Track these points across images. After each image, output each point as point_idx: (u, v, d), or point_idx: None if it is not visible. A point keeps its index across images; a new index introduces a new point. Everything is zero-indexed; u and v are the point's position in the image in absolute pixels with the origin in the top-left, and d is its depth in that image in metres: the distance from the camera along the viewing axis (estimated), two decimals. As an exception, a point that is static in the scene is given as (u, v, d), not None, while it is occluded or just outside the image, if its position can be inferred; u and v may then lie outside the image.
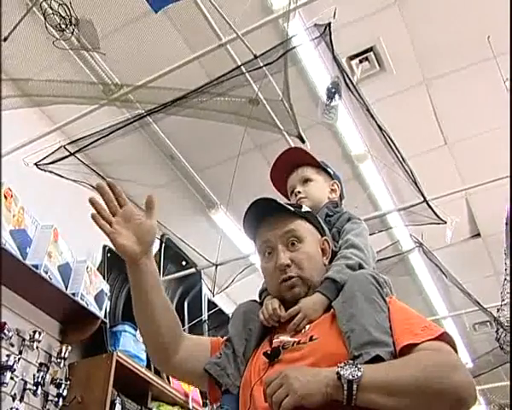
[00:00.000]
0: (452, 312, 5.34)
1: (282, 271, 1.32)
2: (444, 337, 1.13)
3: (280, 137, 3.18)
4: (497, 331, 4.30)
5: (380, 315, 1.20)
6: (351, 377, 1.03)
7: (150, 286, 1.27)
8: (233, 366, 1.29)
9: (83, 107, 3.11)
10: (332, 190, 1.72)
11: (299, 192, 1.67)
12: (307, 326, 1.28)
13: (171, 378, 3.62)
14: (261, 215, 1.38)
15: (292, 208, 1.40)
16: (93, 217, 1.22)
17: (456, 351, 1.14)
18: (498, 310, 4.09)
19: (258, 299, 1.48)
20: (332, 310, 1.28)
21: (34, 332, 2.85)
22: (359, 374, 1.04)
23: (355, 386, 1.03)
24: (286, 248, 1.35)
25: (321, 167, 1.74)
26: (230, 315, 1.46)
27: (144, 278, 1.26)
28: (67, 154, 3.28)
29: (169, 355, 1.32)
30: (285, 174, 1.75)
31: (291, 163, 1.74)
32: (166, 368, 1.42)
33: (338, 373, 1.05)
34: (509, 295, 3.79)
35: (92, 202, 1.22)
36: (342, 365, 1.06)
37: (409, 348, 1.11)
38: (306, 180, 1.69)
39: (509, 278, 3.70)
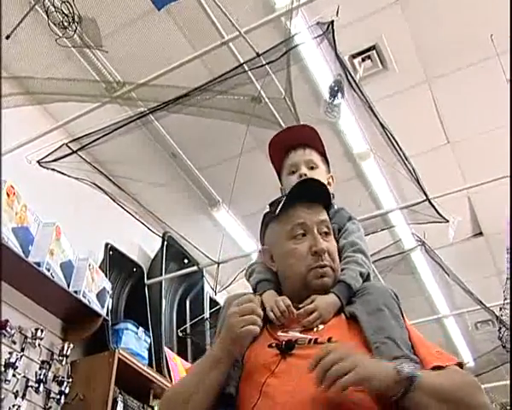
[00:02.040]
0: (454, 310, 5.32)
1: (318, 256, 1.31)
2: (461, 365, 1.20)
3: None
4: (499, 330, 4.30)
5: (403, 332, 1.22)
6: (413, 374, 1.05)
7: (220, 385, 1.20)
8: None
9: (85, 105, 3.11)
10: (328, 183, 1.70)
11: (304, 175, 1.64)
12: (320, 326, 1.26)
13: (172, 376, 3.62)
14: (298, 196, 1.36)
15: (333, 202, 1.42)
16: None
17: None
18: (501, 309, 4.08)
19: (251, 290, 1.44)
20: (342, 314, 1.27)
21: (36, 330, 2.86)
22: (419, 373, 1.05)
23: (414, 384, 1.04)
24: (320, 236, 1.34)
25: (325, 158, 1.73)
26: (222, 308, 1.41)
27: (224, 375, 1.19)
28: (70, 152, 3.28)
29: None
30: (289, 146, 1.69)
31: (300, 139, 1.69)
32: None
33: (398, 368, 1.05)
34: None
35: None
36: (401, 361, 1.08)
37: (435, 370, 1.14)
38: (313, 165, 1.66)
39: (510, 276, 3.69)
